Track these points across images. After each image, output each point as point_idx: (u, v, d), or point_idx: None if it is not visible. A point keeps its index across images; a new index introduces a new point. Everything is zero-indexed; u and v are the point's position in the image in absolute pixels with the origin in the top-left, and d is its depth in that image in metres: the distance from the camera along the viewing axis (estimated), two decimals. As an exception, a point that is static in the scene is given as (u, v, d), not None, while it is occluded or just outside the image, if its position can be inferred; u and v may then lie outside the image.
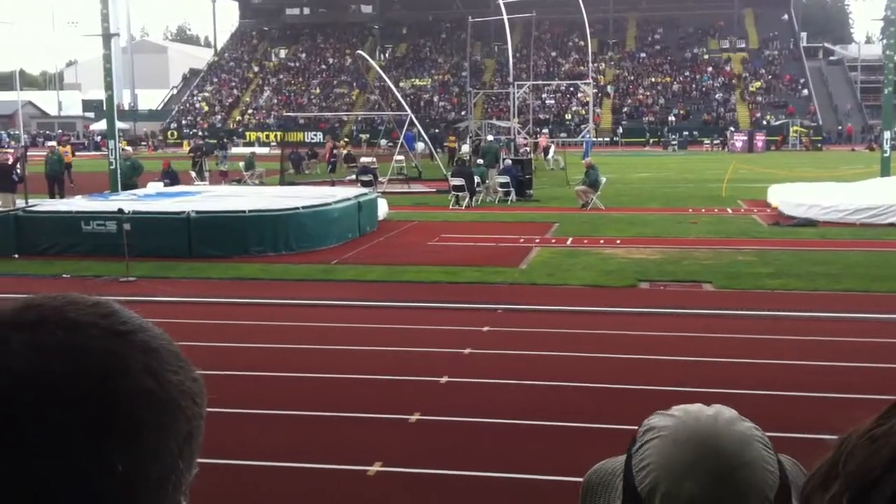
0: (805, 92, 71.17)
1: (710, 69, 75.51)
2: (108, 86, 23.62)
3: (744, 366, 9.02)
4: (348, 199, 18.73)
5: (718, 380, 8.44)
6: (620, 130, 68.45)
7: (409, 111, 35.28)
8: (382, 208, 21.22)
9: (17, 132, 77.68)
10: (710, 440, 1.08)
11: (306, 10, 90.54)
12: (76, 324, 0.77)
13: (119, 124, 28.46)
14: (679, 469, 1.06)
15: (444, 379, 8.60)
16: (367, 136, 57.81)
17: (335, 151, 38.76)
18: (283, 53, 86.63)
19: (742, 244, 17.18)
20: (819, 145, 60.54)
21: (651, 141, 66.10)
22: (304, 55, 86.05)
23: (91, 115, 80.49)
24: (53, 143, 38.35)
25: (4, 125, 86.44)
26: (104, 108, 25.52)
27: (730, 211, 23.00)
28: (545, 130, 55.92)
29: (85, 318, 0.77)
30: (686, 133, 65.33)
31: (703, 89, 73.58)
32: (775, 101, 70.53)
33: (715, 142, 61.14)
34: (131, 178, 24.11)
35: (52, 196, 25.16)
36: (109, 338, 0.77)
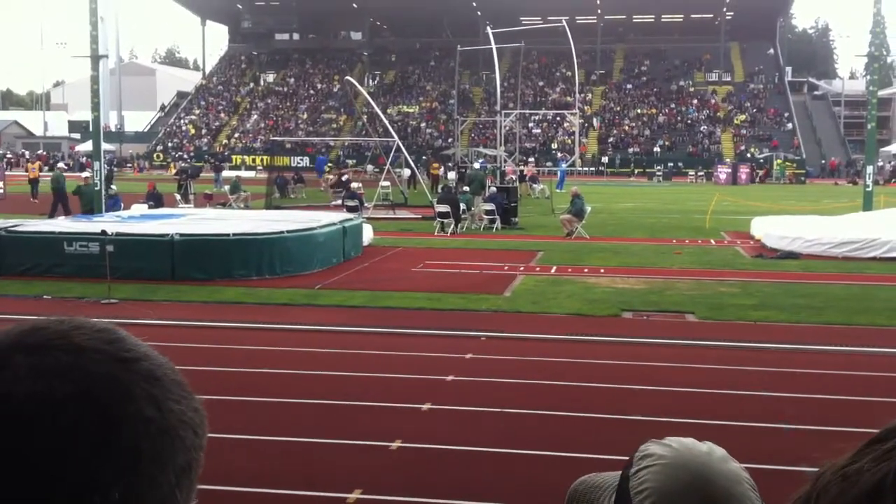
0: (789, 126, 71.87)
1: (695, 102, 76.19)
2: (95, 107, 23.54)
3: (726, 396, 9.02)
4: (333, 224, 18.71)
5: (701, 410, 8.44)
6: (606, 160, 68.86)
7: (395, 137, 35.39)
8: (367, 234, 21.21)
9: (2, 151, 77.35)
10: (704, 471, 1.13)
11: (296, 36, 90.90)
12: (81, 348, 0.76)
13: (105, 146, 28.38)
14: (675, 493, 1.12)
15: (427, 406, 8.55)
16: (354, 161, 57.90)
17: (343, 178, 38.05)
18: (271, 78, 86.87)
19: (725, 275, 17.25)
20: (802, 179, 61.06)
21: (636, 171, 66.49)
22: (292, 80, 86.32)
23: (77, 135, 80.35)
24: (62, 165, 38.63)
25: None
26: (90, 129, 25.40)
27: (713, 242, 23.11)
28: (531, 160, 56.17)
29: (90, 343, 0.77)
30: (671, 164, 65.79)
31: (689, 121, 74.20)
32: (760, 134, 71.18)
33: (699, 173, 61.57)
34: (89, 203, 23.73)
35: (52, 215, 25.25)
36: (113, 364, 0.76)
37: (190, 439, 0.79)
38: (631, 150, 70.96)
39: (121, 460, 0.73)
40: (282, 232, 17.28)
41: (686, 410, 8.44)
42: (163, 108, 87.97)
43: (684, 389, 9.30)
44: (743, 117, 73.79)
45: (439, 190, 33.47)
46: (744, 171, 58.69)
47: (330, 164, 53.57)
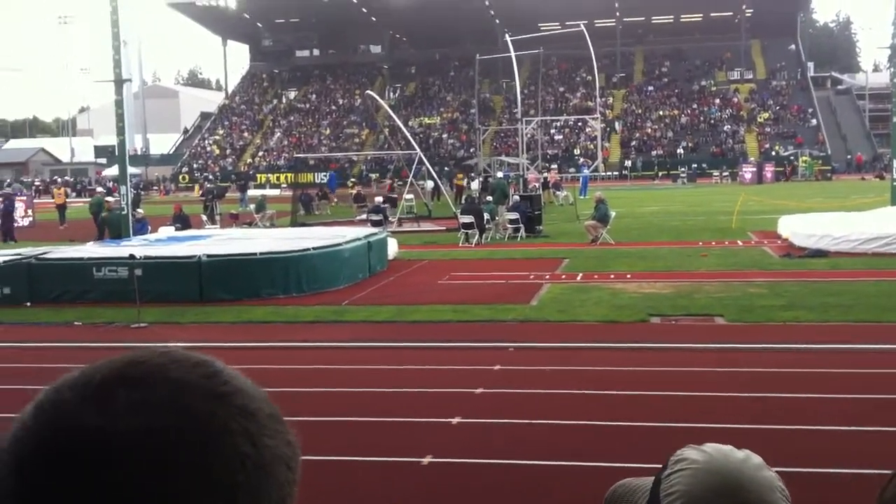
0: (814, 122, 71.27)
1: (717, 101, 75.76)
2: (120, 131, 23.83)
3: (757, 399, 8.95)
4: (358, 240, 18.77)
5: (732, 414, 8.37)
6: (629, 164, 68.61)
7: (418, 149, 35.50)
8: (392, 248, 21.26)
9: (30, 179, 78.35)
10: (736, 477, 1.13)
11: (316, 52, 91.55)
12: (179, 383, 0.77)
13: (131, 169, 28.70)
14: (704, 498, 1.12)
15: (456, 420, 8.55)
16: (377, 175, 58.14)
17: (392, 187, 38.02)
18: (293, 95, 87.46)
19: (753, 276, 17.12)
20: (829, 175, 60.49)
21: (660, 174, 66.19)
22: (314, 96, 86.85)
23: (103, 160, 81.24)
24: (101, 189, 39.15)
25: (18, 172, 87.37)
26: (116, 153, 25.70)
27: (740, 243, 22.94)
28: (553, 166, 56.09)
29: (188, 378, 0.78)
30: (695, 165, 65.42)
31: (712, 121, 73.78)
32: (784, 131, 70.64)
33: (724, 174, 61.19)
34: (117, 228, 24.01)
35: (99, 237, 25.57)
36: (211, 399, 0.77)
37: (283, 474, 0.80)
38: (654, 152, 70.68)
39: (217, 496, 0.74)
40: (307, 249, 17.36)
41: (718, 415, 8.38)
42: (185, 131, 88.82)
43: (716, 394, 9.24)
44: (766, 115, 73.27)
45: (463, 201, 33.50)
46: (769, 170, 58.26)
47: (353, 180, 53.75)
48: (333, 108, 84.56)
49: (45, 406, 0.76)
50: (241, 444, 0.77)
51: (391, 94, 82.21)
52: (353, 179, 55.03)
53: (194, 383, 0.78)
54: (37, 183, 74.21)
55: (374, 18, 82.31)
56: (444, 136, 76.85)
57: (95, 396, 0.75)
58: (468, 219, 24.94)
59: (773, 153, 66.07)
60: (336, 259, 17.60)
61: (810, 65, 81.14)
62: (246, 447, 0.77)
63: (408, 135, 41.32)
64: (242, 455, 0.76)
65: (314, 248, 17.43)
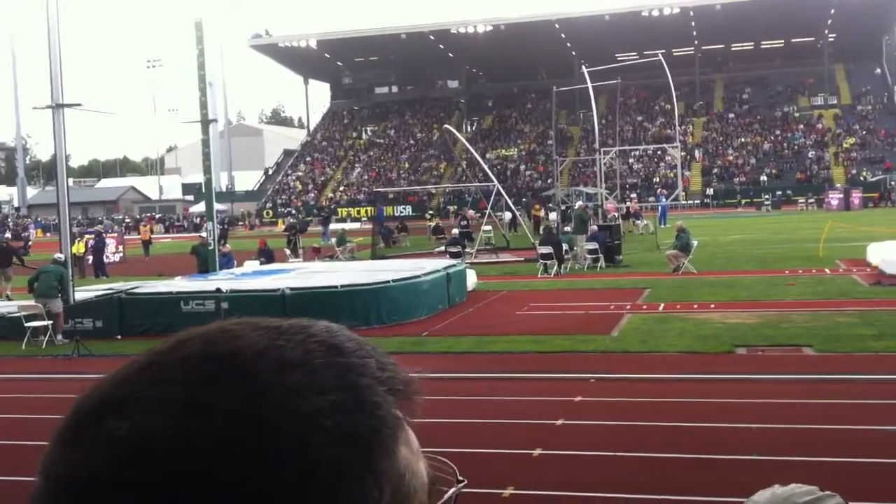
0: (902, 146, 69.21)
1: (801, 127, 74.20)
2: (207, 169, 24.46)
3: (849, 432, 8.67)
4: (437, 271, 18.89)
5: (823, 448, 8.13)
6: (710, 192, 67.55)
7: (495, 181, 35.59)
8: (471, 279, 21.31)
9: (120, 216, 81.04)
10: None
11: (394, 88, 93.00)
12: (158, 403, 0.61)
13: (217, 206, 29.43)
14: None
15: (538, 451, 8.50)
16: (455, 207, 58.46)
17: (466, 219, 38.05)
18: (372, 130, 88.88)
19: (842, 305, 16.61)
20: (921, 200, 58.56)
21: (743, 202, 64.99)
22: (392, 131, 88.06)
23: (191, 197, 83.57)
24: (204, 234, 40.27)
25: (109, 209, 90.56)
26: (203, 190, 26.41)
27: (828, 271, 22.31)
28: (633, 195, 55.56)
29: (175, 392, 0.62)
30: (779, 193, 64.06)
31: (795, 147, 72.24)
32: (871, 156, 68.72)
33: (810, 200, 59.75)
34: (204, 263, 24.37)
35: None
36: (189, 420, 0.61)
37: (327, 483, 0.62)
38: (736, 179, 69.48)
39: None
40: (387, 281, 17.54)
41: (808, 448, 8.15)
42: (266, 171, 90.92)
43: (805, 426, 8.98)
44: (852, 140, 71.44)
45: (541, 231, 33.44)
46: (856, 196, 56.71)
47: (431, 212, 54.16)
48: (412, 142, 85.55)
49: (48, 450, 0.65)
50: (247, 469, 0.59)
51: (468, 127, 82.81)
52: (430, 212, 55.44)
53: (179, 398, 0.61)
54: (127, 220, 76.69)
55: (451, 54, 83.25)
56: (522, 167, 76.95)
57: (72, 437, 0.63)
58: (546, 249, 24.87)
59: (861, 178, 64.27)
60: (415, 291, 17.74)
61: (897, 88, 78.93)
62: (250, 470, 0.59)
63: (485, 167, 41.48)
64: (238, 483, 0.59)
65: (394, 281, 17.61)
